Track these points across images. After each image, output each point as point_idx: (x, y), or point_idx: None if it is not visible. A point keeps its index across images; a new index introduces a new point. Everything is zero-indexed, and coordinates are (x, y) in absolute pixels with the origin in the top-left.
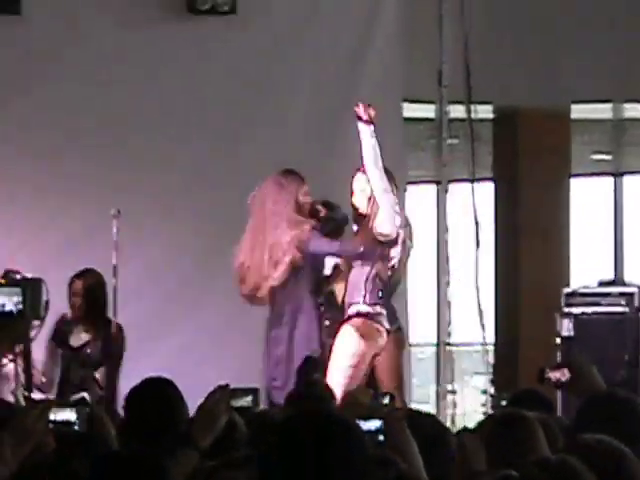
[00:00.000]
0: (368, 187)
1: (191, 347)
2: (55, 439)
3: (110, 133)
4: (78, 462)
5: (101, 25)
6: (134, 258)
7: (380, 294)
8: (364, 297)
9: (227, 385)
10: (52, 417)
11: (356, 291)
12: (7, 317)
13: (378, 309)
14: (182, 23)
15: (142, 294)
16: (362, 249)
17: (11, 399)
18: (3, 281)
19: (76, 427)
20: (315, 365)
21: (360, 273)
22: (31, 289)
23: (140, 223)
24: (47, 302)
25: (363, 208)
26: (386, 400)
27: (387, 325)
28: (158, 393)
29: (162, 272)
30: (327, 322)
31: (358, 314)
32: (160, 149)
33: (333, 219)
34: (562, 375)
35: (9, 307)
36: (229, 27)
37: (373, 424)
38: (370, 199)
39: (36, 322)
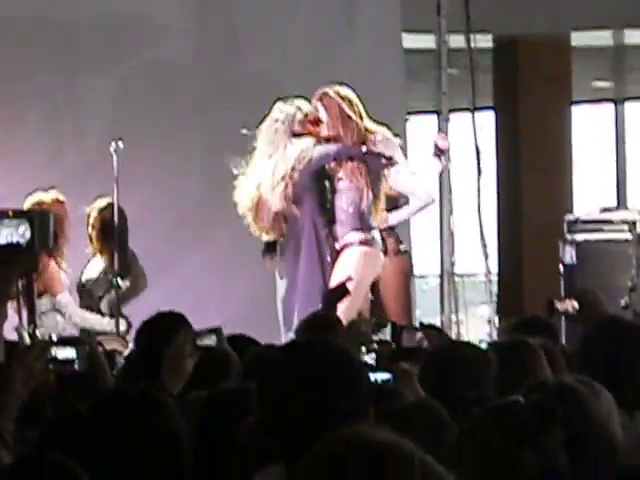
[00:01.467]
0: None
1: (192, 283)
2: (56, 377)
3: (112, 68)
4: (78, 399)
5: None
6: (135, 194)
7: (371, 218)
8: (356, 224)
9: (219, 327)
10: (53, 354)
11: (347, 219)
12: (15, 249)
13: (372, 233)
14: None
15: (143, 230)
16: (364, 149)
17: (14, 336)
18: (11, 213)
19: (76, 366)
20: (345, 294)
21: (348, 200)
22: (39, 220)
23: (141, 158)
24: (55, 234)
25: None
26: (387, 329)
27: (381, 246)
28: (172, 327)
29: (163, 208)
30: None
31: (353, 243)
32: (162, 85)
33: None
34: (570, 306)
35: (17, 239)
36: None
37: (382, 376)
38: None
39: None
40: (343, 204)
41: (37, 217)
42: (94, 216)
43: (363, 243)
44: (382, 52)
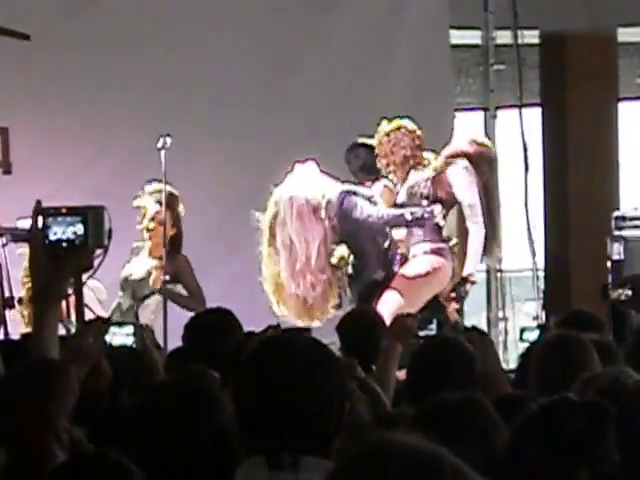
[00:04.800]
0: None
1: (237, 281)
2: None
3: (159, 64)
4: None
5: None
6: (181, 190)
7: (440, 230)
8: (425, 235)
9: (278, 325)
10: (108, 339)
11: (417, 231)
12: (69, 246)
13: (441, 244)
14: None
15: (193, 224)
16: (409, 216)
17: (62, 331)
18: (64, 210)
19: (133, 344)
20: (379, 287)
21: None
22: (93, 217)
23: (188, 153)
24: (110, 230)
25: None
26: (433, 325)
27: (451, 260)
28: (220, 322)
29: (209, 205)
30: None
31: (422, 252)
32: (210, 82)
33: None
34: (624, 292)
35: (70, 236)
36: None
37: None
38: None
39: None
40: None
41: (91, 213)
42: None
43: (428, 253)
44: (430, 48)
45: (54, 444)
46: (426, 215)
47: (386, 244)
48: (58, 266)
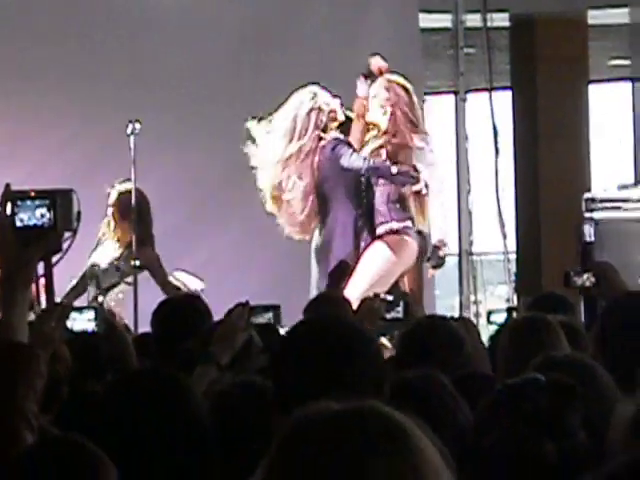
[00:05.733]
0: (382, 93)
1: (213, 263)
2: (72, 354)
3: (127, 50)
4: (96, 379)
5: None
6: (153, 176)
7: (405, 209)
8: (390, 214)
9: (247, 302)
10: (69, 325)
11: (382, 211)
12: (37, 230)
13: (407, 223)
14: None
15: (163, 211)
16: (395, 170)
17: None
18: (32, 193)
19: (95, 327)
20: (347, 269)
21: (382, 192)
22: (61, 200)
23: (159, 140)
24: (79, 213)
25: (383, 124)
26: (400, 308)
27: (417, 239)
28: (188, 306)
29: (184, 189)
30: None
31: (389, 232)
32: (178, 67)
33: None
34: (587, 279)
35: (38, 220)
36: None
37: None
38: (389, 112)
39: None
40: (378, 196)
41: (59, 197)
42: (114, 199)
43: (395, 232)
44: (399, 32)
45: (23, 428)
46: (412, 174)
47: (359, 211)
48: (25, 250)
